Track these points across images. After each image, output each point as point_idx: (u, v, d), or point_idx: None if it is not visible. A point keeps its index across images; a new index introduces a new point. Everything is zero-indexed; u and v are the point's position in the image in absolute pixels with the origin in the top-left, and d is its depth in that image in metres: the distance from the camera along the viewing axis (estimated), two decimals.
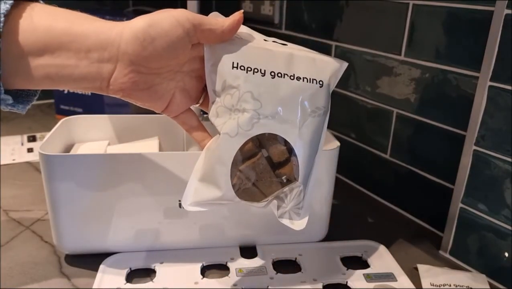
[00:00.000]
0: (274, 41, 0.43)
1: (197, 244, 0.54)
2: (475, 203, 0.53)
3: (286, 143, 0.41)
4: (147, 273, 0.50)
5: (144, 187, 0.50)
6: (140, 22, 0.36)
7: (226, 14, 0.42)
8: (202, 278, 0.49)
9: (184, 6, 0.77)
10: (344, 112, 0.74)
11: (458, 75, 0.55)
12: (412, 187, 0.65)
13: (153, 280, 0.49)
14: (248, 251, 0.54)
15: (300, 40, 0.81)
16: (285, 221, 0.43)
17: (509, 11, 0.47)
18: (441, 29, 0.56)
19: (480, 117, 0.50)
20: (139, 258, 0.52)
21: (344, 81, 0.73)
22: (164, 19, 0.36)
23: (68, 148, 0.59)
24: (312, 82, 0.41)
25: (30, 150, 0.83)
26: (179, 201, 0.51)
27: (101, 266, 0.50)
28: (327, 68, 0.43)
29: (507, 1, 0.46)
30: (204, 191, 0.41)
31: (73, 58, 0.35)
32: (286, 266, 0.52)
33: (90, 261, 0.51)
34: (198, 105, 0.45)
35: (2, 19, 0.32)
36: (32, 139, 0.88)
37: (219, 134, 0.40)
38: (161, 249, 0.53)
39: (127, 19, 0.36)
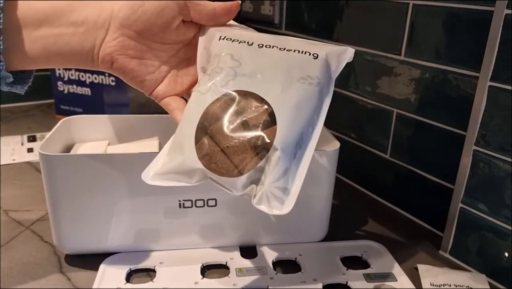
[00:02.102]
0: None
1: (197, 244, 0.54)
2: (475, 203, 0.53)
3: (265, 104, 0.35)
4: (147, 273, 0.50)
5: (144, 187, 0.50)
6: None
7: None
8: (202, 278, 0.49)
9: None
10: (344, 112, 0.74)
11: (458, 75, 0.55)
12: (412, 187, 0.65)
13: (153, 280, 0.49)
14: (248, 251, 0.54)
15: None
16: (263, 207, 0.34)
17: (509, 11, 0.47)
18: (441, 29, 0.56)
19: (480, 117, 0.50)
20: (139, 258, 0.52)
21: (344, 81, 0.73)
22: None
23: (68, 148, 0.59)
24: (305, 54, 0.37)
25: (30, 150, 0.83)
26: (179, 201, 0.51)
27: (101, 266, 0.50)
28: (325, 47, 0.39)
29: (507, 1, 0.46)
30: (166, 160, 0.36)
31: (71, 27, 0.36)
32: (286, 266, 0.52)
33: (90, 261, 0.51)
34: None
35: None
36: (32, 139, 0.88)
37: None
38: (161, 249, 0.53)
39: None
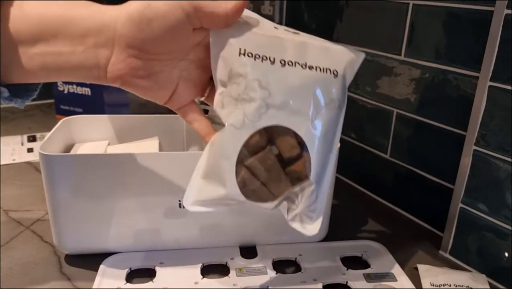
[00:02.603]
0: (285, 29, 0.40)
1: (197, 244, 0.54)
2: (475, 203, 0.53)
3: (297, 137, 0.38)
4: (147, 273, 0.50)
5: (144, 187, 0.50)
6: (136, 4, 0.34)
7: None
8: (202, 278, 0.49)
9: None
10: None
11: (458, 75, 0.55)
12: (412, 187, 0.65)
13: (153, 280, 0.49)
14: (248, 251, 0.54)
15: None
16: (296, 225, 0.39)
17: (509, 11, 0.47)
18: (441, 29, 0.56)
19: (480, 117, 0.50)
20: (139, 258, 0.52)
21: None
22: (164, 4, 0.34)
23: (68, 148, 0.59)
24: (326, 72, 0.38)
25: (30, 150, 0.83)
26: (179, 201, 0.51)
27: (101, 266, 0.50)
28: (342, 58, 0.39)
29: (507, 1, 0.46)
30: (207, 189, 0.38)
31: (68, 45, 0.34)
32: (286, 266, 0.52)
33: (90, 261, 0.51)
34: (203, 98, 0.42)
35: None
36: (32, 139, 0.88)
37: (224, 126, 0.37)
38: (161, 249, 0.53)
39: None
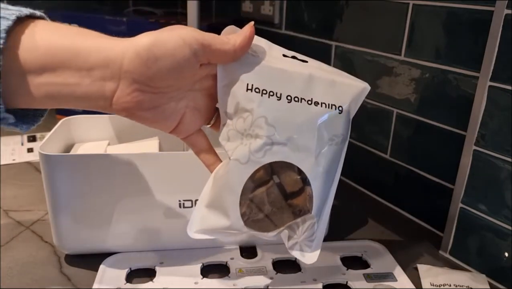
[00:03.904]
0: (293, 56, 0.40)
1: (197, 244, 0.54)
2: (475, 203, 0.53)
3: (300, 172, 0.39)
4: (147, 273, 0.50)
5: (144, 187, 0.50)
6: (144, 40, 0.34)
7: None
8: (202, 278, 0.49)
9: (184, 6, 0.77)
10: None
11: (458, 75, 0.55)
12: (412, 187, 0.65)
13: (153, 280, 0.49)
14: (248, 251, 0.54)
15: (300, 40, 0.81)
16: (296, 253, 0.41)
17: (509, 11, 0.47)
18: (441, 29, 0.56)
19: (480, 117, 0.50)
20: (139, 258, 0.52)
21: None
22: (170, 38, 0.34)
23: (68, 148, 0.59)
24: (331, 108, 0.38)
25: (30, 150, 0.83)
26: (179, 201, 0.51)
27: (101, 266, 0.50)
28: (348, 92, 0.40)
29: (507, 1, 0.46)
30: (211, 218, 0.39)
31: (75, 77, 0.34)
32: (286, 266, 0.52)
33: (90, 261, 0.51)
34: (209, 126, 0.42)
35: (3, 35, 0.31)
36: (32, 139, 0.88)
37: (229, 159, 0.38)
38: (161, 249, 0.53)
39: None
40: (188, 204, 0.51)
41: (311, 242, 0.41)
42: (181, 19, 0.86)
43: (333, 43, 0.74)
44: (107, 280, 0.48)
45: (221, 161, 0.41)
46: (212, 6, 1.06)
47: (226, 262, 0.52)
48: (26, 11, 0.34)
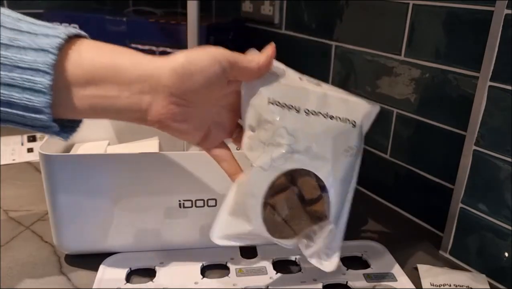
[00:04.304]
0: (308, 80, 0.44)
1: (197, 244, 0.54)
2: (475, 203, 0.53)
3: (318, 180, 0.41)
4: (147, 273, 0.50)
5: (144, 187, 0.50)
6: (180, 58, 0.38)
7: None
8: (202, 278, 0.49)
9: (184, 6, 0.77)
10: None
11: (458, 75, 0.55)
12: (412, 187, 0.65)
13: (153, 280, 0.49)
14: (248, 251, 0.54)
15: (300, 40, 0.81)
16: (314, 261, 0.43)
17: (509, 11, 0.47)
18: (441, 29, 0.56)
19: (480, 117, 0.50)
20: (139, 258, 0.52)
21: (344, 81, 0.73)
22: (203, 56, 0.38)
23: (68, 148, 0.59)
24: (345, 122, 0.42)
25: (30, 150, 0.83)
26: (179, 201, 0.51)
27: (101, 266, 0.50)
28: (359, 109, 0.43)
29: (507, 1, 0.46)
30: (233, 224, 0.42)
31: (115, 90, 0.37)
32: (286, 266, 0.52)
33: (90, 261, 0.51)
34: (232, 139, 0.45)
35: (56, 52, 0.34)
36: (32, 139, 0.88)
37: (252, 166, 0.41)
38: (161, 249, 0.53)
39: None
40: (188, 204, 0.51)
41: (329, 249, 0.43)
42: (181, 19, 0.86)
43: (333, 43, 0.74)
44: (107, 280, 0.48)
45: (242, 171, 0.43)
46: (212, 6, 1.06)
47: (226, 262, 0.52)
48: (74, 30, 0.37)
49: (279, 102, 0.40)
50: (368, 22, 0.67)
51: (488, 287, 0.50)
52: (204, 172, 0.50)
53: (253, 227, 0.41)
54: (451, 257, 0.56)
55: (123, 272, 0.50)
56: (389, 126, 0.67)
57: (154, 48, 0.87)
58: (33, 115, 0.35)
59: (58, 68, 0.35)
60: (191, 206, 0.52)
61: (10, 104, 0.35)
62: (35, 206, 0.64)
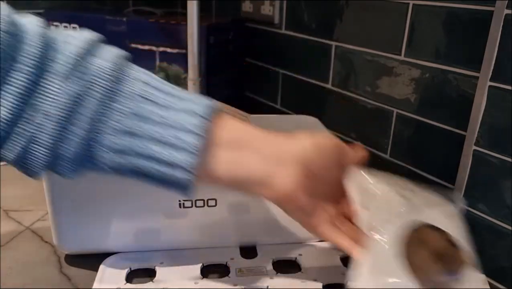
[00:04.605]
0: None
1: (197, 244, 0.54)
2: (475, 203, 0.53)
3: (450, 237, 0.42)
4: (147, 273, 0.50)
5: (144, 187, 0.50)
6: (309, 139, 0.42)
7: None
8: (202, 278, 0.49)
9: (184, 6, 0.77)
10: (344, 112, 0.74)
11: (458, 75, 0.55)
12: None
13: (153, 280, 0.49)
14: (248, 251, 0.54)
15: (300, 40, 0.81)
16: None
17: (509, 11, 0.47)
18: (441, 29, 0.56)
19: (480, 117, 0.50)
20: (139, 258, 0.52)
21: (344, 81, 0.73)
22: (326, 138, 0.43)
23: None
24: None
25: None
26: (179, 201, 0.51)
27: (101, 266, 0.50)
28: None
29: (507, 1, 0.46)
30: (375, 280, 0.41)
31: (255, 158, 0.40)
32: (286, 266, 0.52)
33: (90, 261, 0.51)
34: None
35: (206, 116, 0.37)
36: None
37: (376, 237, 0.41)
38: (161, 249, 0.53)
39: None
40: (188, 204, 0.51)
41: None
42: (181, 19, 0.87)
43: (333, 43, 0.74)
44: (107, 280, 0.48)
45: (358, 242, 0.42)
46: (212, 6, 1.06)
47: (226, 262, 0.52)
48: (219, 104, 0.41)
49: (386, 182, 0.44)
50: (368, 22, 0.67)
51: (488, 287, 0.50)
52: None
53: (398, 280, 0.40)
54: None
55: (123, 272, 0.50)
56: (389, 126, 0.67)
57: (154, 48, 0.87)
58: (176, 173, 0.37)
59: (207, 131, 0.37)
60: (191, 206, 0.52)
61: (156, 160, 0.37)
62: (35, 206, 0.64)
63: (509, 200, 0.49)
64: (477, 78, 0.50)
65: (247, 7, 0.94)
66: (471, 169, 0.52)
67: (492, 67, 0.48)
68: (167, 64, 0.87)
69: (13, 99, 0.33)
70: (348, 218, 0.44)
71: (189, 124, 0.37)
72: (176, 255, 0.53)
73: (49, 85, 0.35)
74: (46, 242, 0.56)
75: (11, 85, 0.33)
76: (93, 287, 0.47)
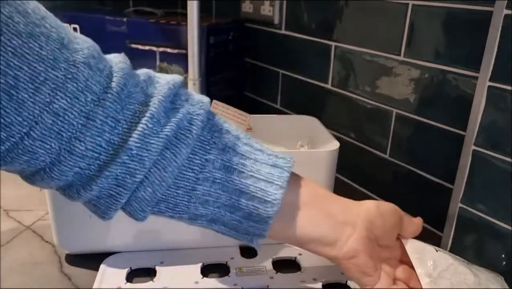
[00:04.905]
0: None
1: (197, 244, 0.54)
2: (474, 203, 0.53)
3: None
4: (148, 272, 0.50)
5: None
6: (373, 204, 0.43)
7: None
8: (202, 278, 0.49)
9: (184, 6, 0.77)
10: (344, 112, 0.74)
11: (458, 75, 0.55)
12: (411, 187, 0.65)
13: (154, 279, 0.49)
14: (248, 251, 0.54)
15: (300, 41, 0.81)
16: None
17: (508, 11, 0.47)
18: (441, 29, 0.56)
19: (480, 117, 0.50)
20: (139, 257, 0.52)
21: (343, 81, 0.73)
22: (388, 205, 0.44)
23: None
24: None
25: None
26: None
27: (102, 266, 0.50)
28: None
29: (506, 1, 0.47)
30: None
31: (324, 215, 0.41)
32: (286, 266, 0.52)
33: (91, 260, 0.51)
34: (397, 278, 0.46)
35: (289, 170, 0.39)
36: None
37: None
38: (162, 248, 0.54)
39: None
40: None
41: None
42: (181, 19, 0.87)
43: (333, 43, 0.74)
44: (108, 280, 0.48)
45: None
46: (212, 6, 1.06)
47: (226, 262, 0.52)
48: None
49: (443, 251, 0.47)
50: (367, 22, 0.67)
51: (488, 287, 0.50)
52: None
53: None
54: None
55: (123, 272, 0.50)
56: (388, 126, 0.67)
57: (154, 48, 0.87)
58: (255, 223, 0.38)
59: (288, 184, 0.38)
60: None
61: (236, 208, 0.38)
62: (35, 206, 0.64)
63: (508, 200, 0.49)
64: (477, 78, 0.50)
65: (247, 7, 0.94)
66: (470, 169, 0.52)
67: (491, 67, 0.49)
68: (167, 64, 0.87)
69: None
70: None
71: (273, 177, 0.38)
72: (176, 255, 0.53)
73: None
74: (47, 242, 0.56)
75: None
76: (94, 287, 0.47)
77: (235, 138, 0.38)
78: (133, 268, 0.51)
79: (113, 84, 0.33)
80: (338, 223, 0.41)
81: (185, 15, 0.75)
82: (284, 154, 0.40)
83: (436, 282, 0.44)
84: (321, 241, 0.41)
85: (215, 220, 0.39)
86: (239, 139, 0.39)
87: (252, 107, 0.96)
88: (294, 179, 0.41)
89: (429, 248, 0.48)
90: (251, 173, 0.37)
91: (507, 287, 0.49)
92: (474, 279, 0.45)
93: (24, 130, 0.29)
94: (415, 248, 0.47)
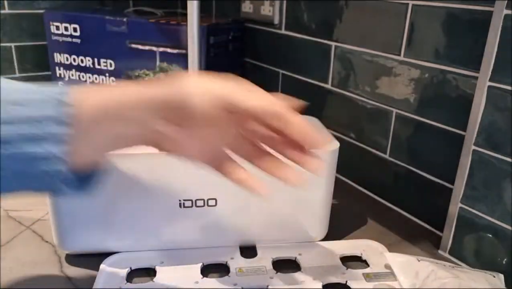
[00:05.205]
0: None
1: (197, 244, 0.54)
2: (474, 203, 0.53)
3: None
4: (148, 272, 0.50)
5: (144, 187, 0.50)
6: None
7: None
8: (202, 278, 0.49)
9: (184, 6, 0.77)
10: (344, 112, 0.74)
11: (458, 75, 0.55)
12: (411, 187, 0.65)
13: (154, 279, 0.49)
14: (248, 251, 0.54)
15: (299, 41, 0.81)
16: None
17: (508, 12, 0.47)
18: (441, 29, 0.56)
19: (480, 117, 0.50)
20: (139, 257, 0.52)
21: (343, 81, 0.73)
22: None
23: None
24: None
25: None
26: (179, 201, 0.51)
27: (102, 266, 0.50)
28: None
29: (506, 1, 0.47)
30: None
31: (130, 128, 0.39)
32: (286, 265, 0.52)
33: (91, 261, 0.51)
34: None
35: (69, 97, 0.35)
36: None
37: None
38: (162, 248, 0.54)
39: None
40: (188, 204, 0.52)
41: None
42: (181, 19, 0.87)
43: (333, 44, 0.74)
44: (108, 280, 0.48)
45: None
46: (212, 6, 1.06)
47: (226, 262, 0.52)
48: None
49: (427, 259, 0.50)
50: (367, 22, 0.67)
51: (488, 287, 0.50)
52: (204, 172, 0.51)
53: None
54: (450, 257, 0.56)
55: (123, 272, 0.50)
56: (388, 126, 0.67)
57: (154, 48, 0.87)
58: (52, 166, 0.35)
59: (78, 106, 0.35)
60: (191, 206, 0.52)
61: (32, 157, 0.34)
62: (35, 206, 0.64)
63: (508, 200, 0.49)
64: (477, 78, 0.51)
65: (247, 7, 0.94)
66: (470, 169, 0.53)
67: (491, 67, 0.49)
68: (167, 64, 0.87)
69: None
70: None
71: (54, 112, 0.34)
72: (176, 255, 0.53)
73: None
74: (47, 241, 0.56)
75: None
76: (94, 287, 0.47)
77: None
78: (133, 268, 0.51)
79: None
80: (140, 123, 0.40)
81: (185, 15, 0.75)
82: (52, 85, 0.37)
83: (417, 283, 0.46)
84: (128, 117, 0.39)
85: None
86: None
87: None
88: (84, 95, 0.37)
89: (412, 259, 0.50)
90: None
91: (502, 285, 0.49)
92: (454, 281, 0.46)
93: None
94: (398, 262, 0.50)
